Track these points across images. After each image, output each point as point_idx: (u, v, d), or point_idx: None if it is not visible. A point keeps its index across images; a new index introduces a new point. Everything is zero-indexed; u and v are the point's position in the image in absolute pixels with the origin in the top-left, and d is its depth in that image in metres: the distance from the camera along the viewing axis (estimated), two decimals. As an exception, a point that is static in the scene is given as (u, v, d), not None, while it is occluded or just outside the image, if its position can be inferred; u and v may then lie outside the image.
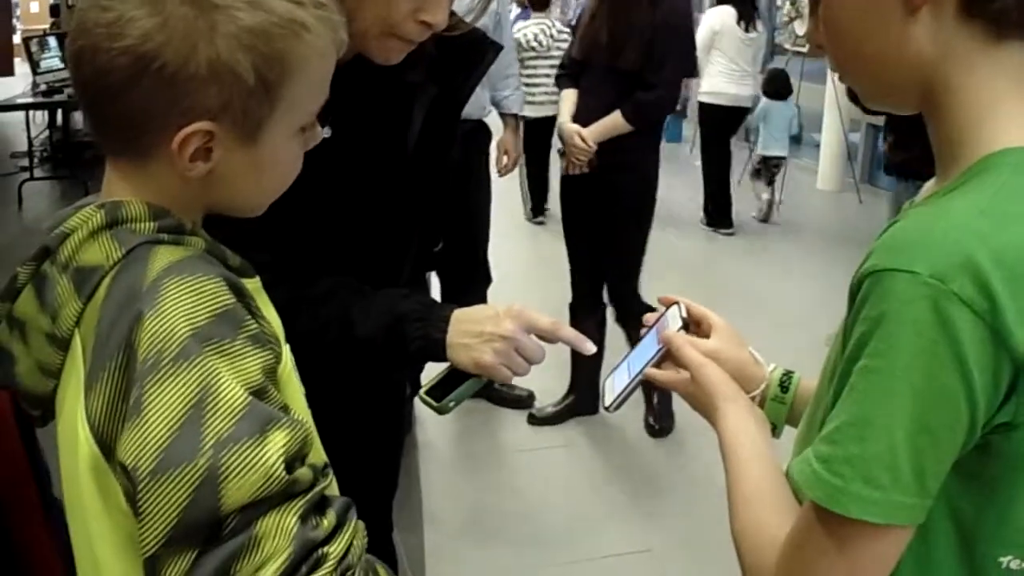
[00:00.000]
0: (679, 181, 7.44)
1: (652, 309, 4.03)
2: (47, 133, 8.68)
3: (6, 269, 0.90)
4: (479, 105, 3.72)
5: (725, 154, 6.91)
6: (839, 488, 0.74)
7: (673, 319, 1.13)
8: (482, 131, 3.83)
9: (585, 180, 3.52)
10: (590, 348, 1.26)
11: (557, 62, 5.51)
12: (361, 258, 1.36)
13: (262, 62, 0.84)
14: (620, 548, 3.03)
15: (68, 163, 7.94)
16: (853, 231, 6.70)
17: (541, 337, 1.25)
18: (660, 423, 3.77)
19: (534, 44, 6.14)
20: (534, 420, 3.88)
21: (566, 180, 3.64)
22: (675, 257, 6.14)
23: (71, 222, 0.86)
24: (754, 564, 0.85)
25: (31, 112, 7.95)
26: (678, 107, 8.34)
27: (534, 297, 4.88)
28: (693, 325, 1.14)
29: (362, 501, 0.89)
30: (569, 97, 3.60)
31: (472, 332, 1.23)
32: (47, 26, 10.44)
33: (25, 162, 7.95)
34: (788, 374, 1.13)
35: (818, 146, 8.58)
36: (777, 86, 7.05)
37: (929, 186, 0.89)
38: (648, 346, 1.13)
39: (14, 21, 11.99)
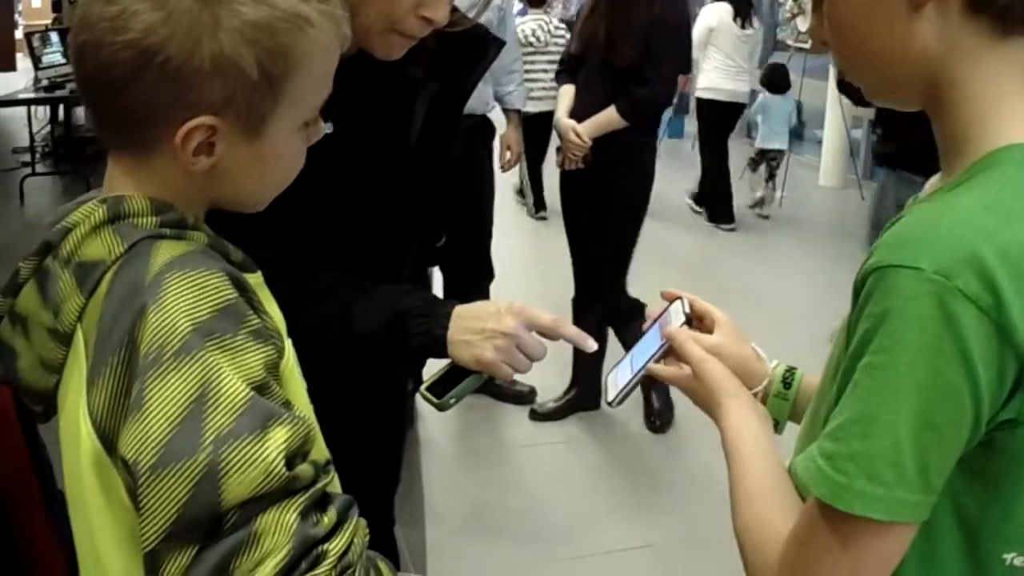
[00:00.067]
0: (681, 177, 7.44)
1: (639, 304, 4.03)
2: (49, 128, 8.67)
3: (8, 265, 0.89)
4: (483, 100, 3.72)
5: (723, 149, 6.91)
6: (843, 485, 0.74)
7: (676, 314, 1.13)
8: (486, 127, 3.83)
9: (584, 175, 3.52)
10: (591, 346, 1.26)
11: (554, 58, 5.52)
12: (363, 253, 1.36)
13: (266, 56, 0.84)
14: (621, 544, 3.03)
15: (70, 158, 7.94)
16: (855, 228, 6.67)
17: (543, 334, 1.25)
18: (660, 419, 3.77)
19: (532, 40, 6.16)
20: (536, 416, 3.88)
21: (565, 176, 3.65)
22: (676, 252, 6.14)
23: (73, 217, 0.86)
24: (757, 561, 0.85)
25: (33, 107, 7.93)
26: (680, 103, 8.37)
27: (536, 293, 4.88)
28: (696, 320, 1.14)
29: (364, 496, 0.89)
30: (567, 93, 3.61)
31: (473, 329, 1.23)
32: (49, 21, 10.42)
33: (27, 157, 7.94)
34: (791, 370, 1.12)
35: (820, 142, 8.58)
36: (775, 80, 7.06)
37: (933, 182, 0.89)
38: (651, 341, 1.13)
39: (16, 16, 11.98)
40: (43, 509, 1.14)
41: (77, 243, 0.85)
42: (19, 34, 10.43)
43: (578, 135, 3.44)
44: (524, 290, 4.80)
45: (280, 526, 0.75)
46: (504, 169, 4.17)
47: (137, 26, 0.81)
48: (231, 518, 0.74)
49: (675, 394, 3.50)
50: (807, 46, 8.10)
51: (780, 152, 7.22)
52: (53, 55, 7.48)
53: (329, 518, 0.78)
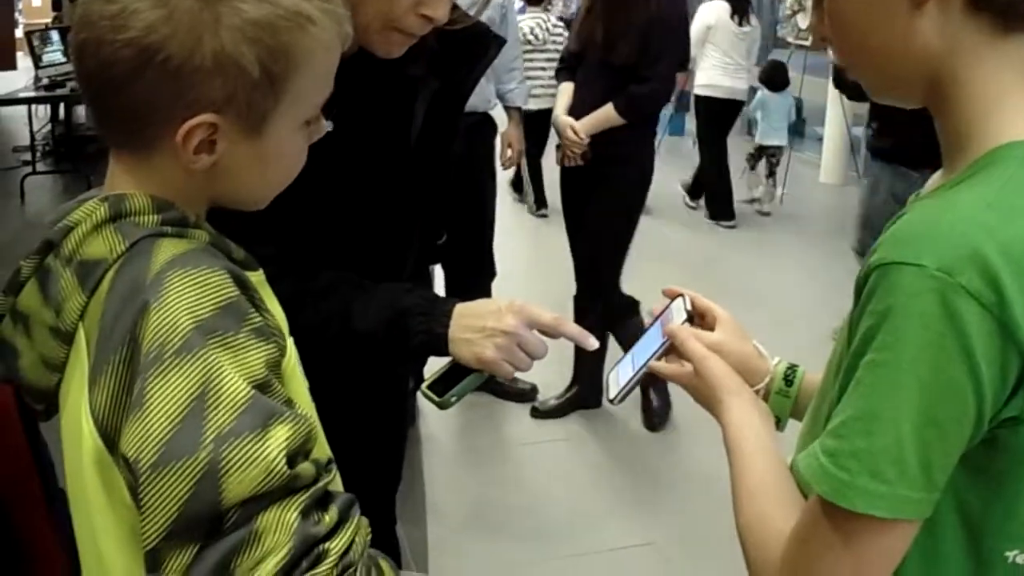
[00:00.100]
0: (682, 174, 7.43)
1: (632, 301, 4.03)
2: (49, 127, 8.67)
3: (9, 263, 0.89)
4: (484, 98, 3.72)
5: (722, 146, 6.91)
6: (845, 482, 0.74)
7: (678, 312, 1.13)
8: (487, 124, 3.83)
9: (583, 173, 3.52)
10: (592, 344, 1.26)
11: (552, 55, 5.52)
12: (364, 251, 1.36)
13: (267, 55, 0.84)
14: (623, 541, 3.03)
15: (70, 157, 7.93)
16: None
17: (544, 332, 1.24)
18: (657, 417, 3.77)
19: (530, 38, 6.17)
20: (537, 413, 3.88)
21: (565, 173, 3.65)
22: (676, 249, 6.14)
23: (75, 215, 0.86)
24: (759, 558, 0.85)
25: (33, 106, 7.93)
26: (681, 101, 8.36)
27: (537, 291, 4.88)
28: (698, 318, 1.14)
29: (365, 494, 0.89)
30: (566, 90, 3.61)
31: (474, 327, 1.23)
32: (49, 20, 10.42)
33: (27, 156, 7.93)
34: (792, 368, 1.12)
35: (821, 140, 8.57)
36: (774, 78, 7.06)
37: (935, 178, 0.89)
38: (652, 339, 1.13)
39: (16, 15, 11.98)
40: (45, 508, 1.13)
41: (79, 242, 0.85)
42: (19, 33, 10.42)
43: (576, 132, 3.44)
44: (525, 288, 4.80)
45: (281, 525, 0.75)
46: (505, 167, 4.17)
47: (138, 24, 0.81)
48: (232, 516, 0.74)
49: (677, 393, 3.50)
50: (807, 43, 8.09)
51: (779, 148, 7.22)
52: (53, 54, 7.48)
53: (330, 517, 0.78)
